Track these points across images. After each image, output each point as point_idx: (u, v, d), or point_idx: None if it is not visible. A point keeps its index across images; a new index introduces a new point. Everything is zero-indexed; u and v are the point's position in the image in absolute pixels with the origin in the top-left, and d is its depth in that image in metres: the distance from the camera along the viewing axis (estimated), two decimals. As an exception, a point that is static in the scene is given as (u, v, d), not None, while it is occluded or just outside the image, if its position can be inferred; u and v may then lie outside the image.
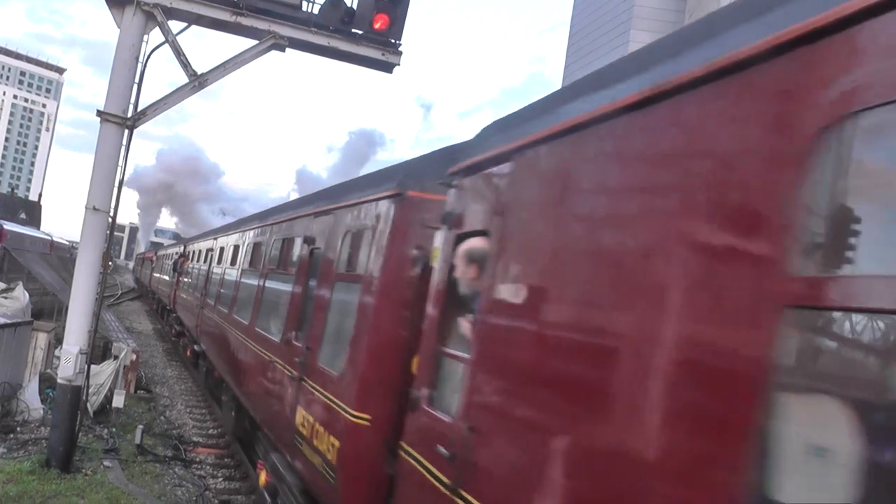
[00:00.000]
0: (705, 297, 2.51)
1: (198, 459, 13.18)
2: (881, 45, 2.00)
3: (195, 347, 19.21)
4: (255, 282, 12.17)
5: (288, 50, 11.34)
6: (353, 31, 11.09)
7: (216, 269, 18.08)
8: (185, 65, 11.14)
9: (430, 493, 4.29)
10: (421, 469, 4.58)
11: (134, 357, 17.39)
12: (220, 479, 12.31)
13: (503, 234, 4.19)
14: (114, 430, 13.21)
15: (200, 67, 11.21)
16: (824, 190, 2.12)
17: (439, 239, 5.31)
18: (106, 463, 11.35)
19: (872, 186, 2.13)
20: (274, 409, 9.00)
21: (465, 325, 4.61)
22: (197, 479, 11.88)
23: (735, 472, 2.19)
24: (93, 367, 12.26)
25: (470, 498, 3.79)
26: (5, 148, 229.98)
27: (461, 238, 4.78)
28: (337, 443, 6.28)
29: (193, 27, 11.38)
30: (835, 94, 2.11)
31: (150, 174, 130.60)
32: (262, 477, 9.05)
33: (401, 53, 11.29)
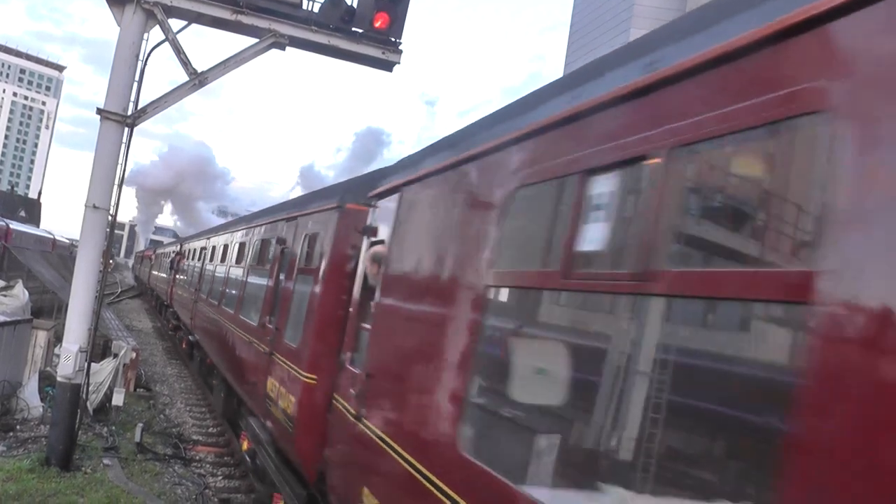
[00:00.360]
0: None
1: (197, 458, 13.18)
2: None
3: (190, 338, 20.62)
4: (240, 277, 14.02)
5: (288, 48, 11.34)
6: (354, 29, 11.09)
7: (209, 267, 19.60)
8: (186, 63, 11.13)
9: (345, 422, 6.28)
10: (341, 407, 6.55)
11: (134, 355, 17.40)
12: (220, 478, 12.32)
13: (391, 244, 6.11)
14: (113, 428, 13.22)
15: (201, 66, 11.23)
16: None
17: (364, 244, 7.15)
18: (105, 461, 11.36)
19: None
20: (251, 381, 10.77)
21: (371, 305, 6.36)
22: (197, 477, 11.89)
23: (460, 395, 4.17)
24: (92, 365, 12.26)
25: (366, 421, 5.68)
26: (5, 145, 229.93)
27: (373, 244, 6.77)
28: (294, 399, 8.02)
29: (194, 25, 11.38)
30: None
31: (154, 173, 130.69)
32: (245, 444, 10.78)
33: (401, 52, 11.29)
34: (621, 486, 2.91)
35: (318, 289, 8.10)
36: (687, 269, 2.76)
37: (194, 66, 11.16)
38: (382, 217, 6.74)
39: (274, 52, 11.33)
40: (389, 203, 6.49)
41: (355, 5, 11.01)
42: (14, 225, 38.28)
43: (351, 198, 8.08)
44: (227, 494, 11.41)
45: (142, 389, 17.95)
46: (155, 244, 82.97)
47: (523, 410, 3.96)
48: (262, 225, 13.15)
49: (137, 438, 12.53)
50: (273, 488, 8.73)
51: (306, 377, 7.73)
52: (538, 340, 4.13)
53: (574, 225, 3.31)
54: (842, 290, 1.98)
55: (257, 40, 11.19)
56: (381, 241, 6.53)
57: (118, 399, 13.83)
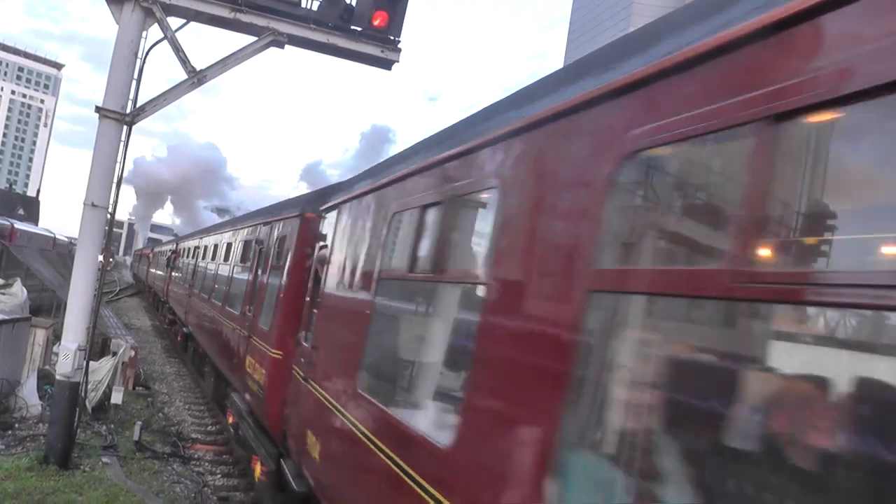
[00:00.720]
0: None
1: (196, 456, 13.18)
2: None
3: (184, 330, 22.45)
4: (227, 273, 15.98)
5: (287, 47, 11.34)
6: (353, 28, 11.09)
7: (201, 264, 21.45)
8: (184, 61, 11.12)
9: (298, 385, 8.18)
10: (297, 375, 8.32)
11: (132, 353, 17.40)
12: (219, 476, 12.32)
13: (331, 248, 8.03)
14: (112, 426, 13.22)
15: (199, 64, 11.22)
16: None
17: (316, 247, 9.02)
18: (104, 459, 11.36)
19: None
20: (234, 362, 12.63)
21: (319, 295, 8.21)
22: (195, 475, 11.89)
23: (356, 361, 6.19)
24: (91, 363, 12.25)
25: (311, 381, 7.56)
26: (3, 143, 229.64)
27: (321, 248, 8.67)
28: (264, 371, 9.99)
29: (193, 24, 11.36)
30: None
31: (158, 171, 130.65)
32: (230, 419, 12.30)
33: (400, 50, 11.28)
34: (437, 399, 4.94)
35: (283, 281, 9.99)
36: (454, 268, 4.81)
37: (193, 64, 11.16)
38: (327, 226, 8.65)
39: (274, 50, 11.34)
40: (331, 216, 8.49)
41: (354, 4, 11.02)
42: (18, 224, 39.26)
43: (309, 208, 9.89)
44: (226, 493, 11.40)
45: (141, 388, 17.95)
46: (153, 242, 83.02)
47: (392, 362, 5.99)
48: (245, 227, 15.11)
49: (136, 437, 12.52)
50: (252, 451, 10.12)
51: (274, 353, 9.64)
52: (403, 314, 6.12)
53: (417, 240, 5.34)
54: (495, 292, 3.93)
55: (256, 38, 11.19)
56: (326, 245, 8.37)
57: (117, 397, 13.83)
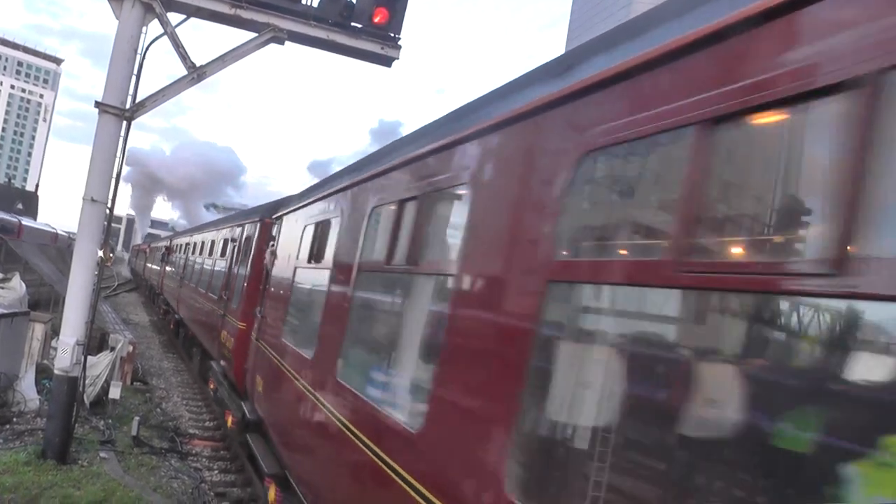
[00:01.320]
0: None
1: (194, 452, 13.20)
2: None
3: (176, 317, 25.73)
4: (210, 265, 19.41)
5: (287, 43, 11.33)
6: (353, 24, 11.08)
7: (190, 258, 24.87)
8: (184, 57, 11.12)
9: (253, 344, 11.03)
10: (252, 337, 11.35)
11: (130, 349, 17.40)
12: (216, 472, 12.34)
13: (274, 249, 10.88)
14: (110, 421, 13.23)
15: (199, 59, 11.21)
16: None
17: (269, 245, 11.75)
18: (102, 454, 11.37)
19: None
20: (213, 335, 16.01)
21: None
22: (193, 471, 11.90)
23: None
24: (89, 358, 12.26)
25: (260, 340, 10.48)
26: (2, 138, 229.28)
27: (272, 246, 11.29)
28: (233, 339, 13.09)
29: (193, 20, 11.36)
30: None
31: (168, 170, 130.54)
32: (211, 385, 14.92)
33: (400, 47, 11.28)
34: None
35: (247, 271, 13.25)
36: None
37: (193, 59, 11.16)
38: (276, 231, 11.68)
39: (278, 46, 11.33)
40: (277, 223, 11.68)
41: (354, 0, 11.01)
42: (25, 221, 43.00)
43: (267, 215, 12.92)
44: (224, 489, 11.42)
45: (138, 383, 17.95)
46: (152, 237, 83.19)
47: (305, 321, 8.45)
48: (223, 228, 18.56)
49: (134, 432, 12.54)
50: (225, 406, 12.70)
51: (240, 324, 12.76)
52: (314, 292, 8.22)
53: (324, 242, 7.87)
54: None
55: (256, 35, 11.18)
56: (274, 244, 11.36)
57: (115, 392, 13.84)
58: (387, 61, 11.54)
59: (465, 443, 3.72)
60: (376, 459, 4.82)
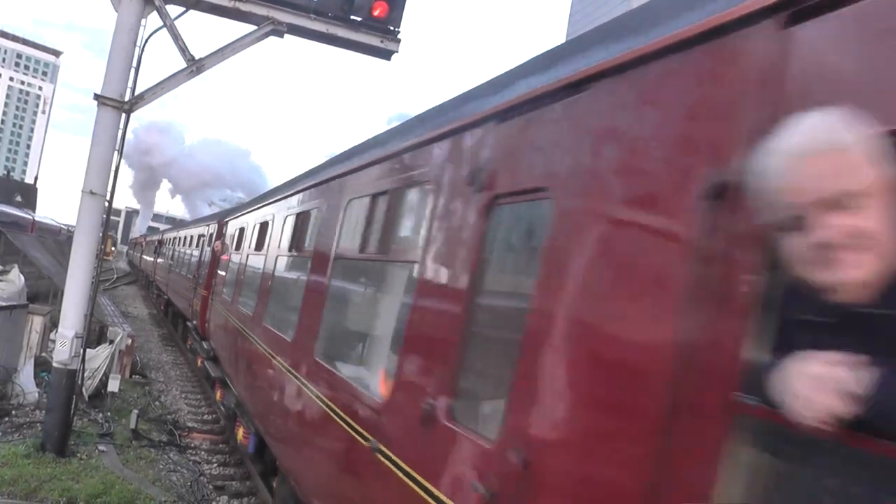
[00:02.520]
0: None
1: (192, 445, 13.21)
2: None
3: (165, 298, 31.22)
4: (189, 254, 25.08)
5: (286, 36, 11.29)
6: (353, 18, 11.05)
7: (177, 249, 30.15)
8: (183, 49, 11.08)
9: (209, 302, 16.58)
10: (209, 299, 16.77)
11: (129, 342, 17.40)
12: (215, 465, 12.36)
13: (223, 241, 17.20)
14: (109, 414, 13.24)
15: (199, 52, 11.18)
16: None
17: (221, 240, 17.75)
18: (101, 447, 11.37)
19: None
20: (189, 303, 21.05)
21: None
22: (192, 464, 11.91)
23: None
24: (88, 351, 12.25)
25: (213, 299, 16.24)
26: (1, 130, 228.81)
27: (221, 241, 17.49)
28: (199, 301, 18.31)
29: (193, 13, 11.31)
30: None
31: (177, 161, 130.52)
32: (189, 342, 20.45)
33: (399, 41, 11.24)
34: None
35: (209, 258, 18.43)
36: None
37: (192, 52, 11.12)
38: (224, 230, 17.43)
39: (278, 39, 11.30)
40: (224, 226, 17.52)
41: (354, -7, 10.97)
42: (38, 217, 47.36)
43: (223, 219, 18.66)
44: (222, 482, 11.44)
45: (137, 376, 17.96)
46: (151, 231, 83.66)
47: (234, 284, 13.63)
48: (197, 227, 24.97)
49: (133, 425, 12.55)
50: (196, 353, 18.10)
51: (203, 292, 17.95)
52: (248, 271, 12.39)
53: (250, 240, 12.92)
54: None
55: (255, 27, 11.15)
56: (221, 241, 16.92)
57: (114, 385, 13.84)
58: (386, 54, 11.51)
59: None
60: (265, 354, 8.85)
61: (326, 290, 6.57)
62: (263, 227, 11.60)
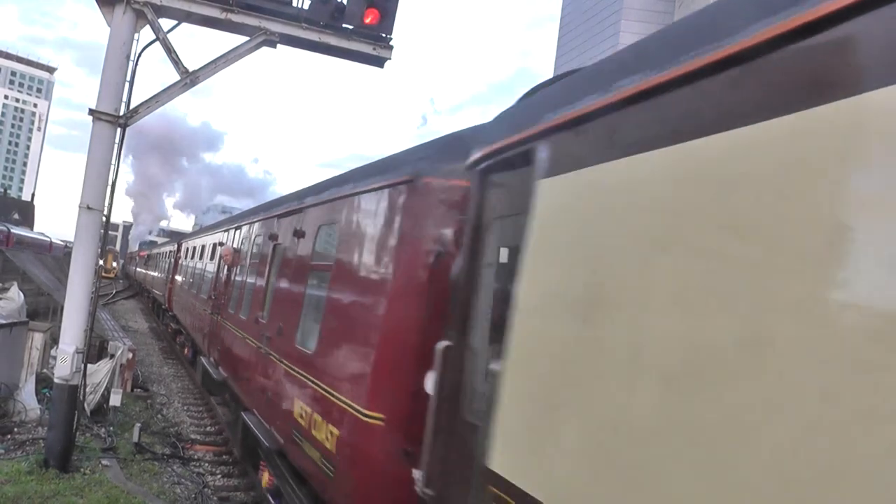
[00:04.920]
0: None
1: (196, 457, 13.20)
2: None
3: (152, 296, 40.23)
4: (167, 263, 31.72)
5: (279, 46, 11.33)
6: (344, 26, 11.08)
7: (159, 262, 38.68)
8: (177, 62, 11.12)
9: (172, 289, 27.85)
10: (172, 287, 27.83)
11: (130, 356, 17.38)
12: (219, 476, 12.35)
13: (178, 258, 27.72)
14: (111, 428, 13.23)
15: (194, 66, 11.21)
16: None
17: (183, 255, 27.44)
18: (104, 462, 11.36)
19: None
20: (165, 293, 30.02)
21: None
22: (196, 476, 11.91)
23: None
24: (89, 366, 12.25)
25: (171, 285, 28.27)
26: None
27: (177, 256, 29.22)
28: (168, 287, 29.33)
29: (185, 25, 11.36)
30: None
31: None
32: (169, 329, 28.42)
33: (392, 48, 11.28)
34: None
35: (172, 265, 28.30)
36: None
37: (186, 65, 11.16)
38: (182, 248, 27.08)
39: (265, 49, 11.34)
40: (179, 246, 28.60)
41: (345, 2, 11.01)
42: (55, 240, 53.04)
43: (178, 240, 31.73)
44: (227, 493, 11.43)
45: (139, 389, 17.95)
46: (149, 245, 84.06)
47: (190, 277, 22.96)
48: (170, 243, 34.03)
49: (135, 438, 12.54)
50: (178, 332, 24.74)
51: (169, 284, 28.56)
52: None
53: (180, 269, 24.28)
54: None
55: (248, 38, 11.19)
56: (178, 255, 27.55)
57: (115, 399, 13.83)
58: (379, 62, 11.54)
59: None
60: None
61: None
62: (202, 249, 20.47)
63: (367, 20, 10.94)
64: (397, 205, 5.90)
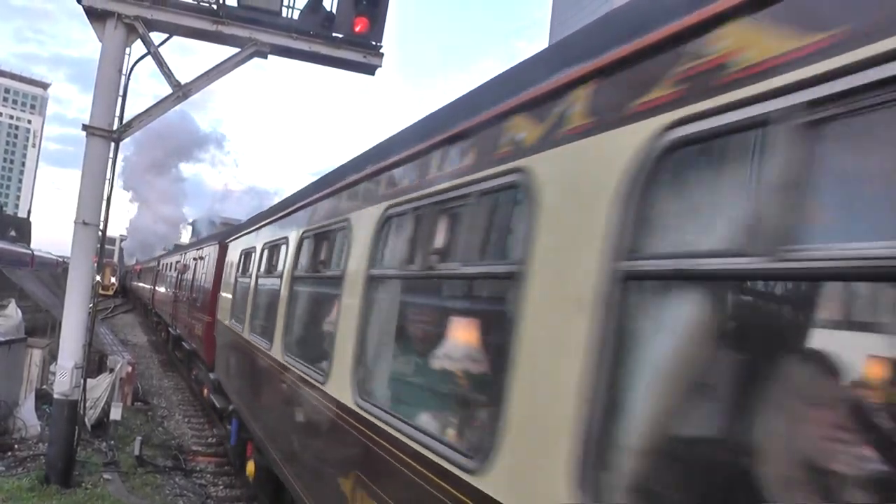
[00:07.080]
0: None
1: (198, 468, 13.20)
2: None
3: (146, 305, 44.02)
4: (155, 275, 38.25)
5: (270, 56, 11.38)
6: (334, 35, 11.13)
7: (149, 275, 43.31)
8: (168, 75, 11.16)
9: (156, 294, 37.36)
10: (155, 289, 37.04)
11: (130, 369, 17.38)
12: (221, 487, 12.34)
13: (161, 271, 36.09)
14: (112, 442, 13.22)
15: (186, 79, 11.26)
16: None
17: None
18: (106, 476, 11.36)
19: None
20: (165, 300, 31.56)
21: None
22: (198, 487, 11.91)
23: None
24: (89, 380, 12.25)
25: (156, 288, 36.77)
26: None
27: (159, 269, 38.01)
28: (169, 294, 30.42)
29: (178, 40, 11.41)
30: None
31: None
32: (164, 335, 30.59)
33: (382, 55, 11.33)
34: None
35: (158, 274, 36.78)
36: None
37: (178, 78, 11.20)
38: (164, 259, 36.50)
39: (262, 60, 11.40)
40: (162, 260, 38.37)
41: (335, 11, 11.06)
42: (53, 254, 53.28)
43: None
44: (229, 503, 11.43)
45: (139, 403, 17.94)
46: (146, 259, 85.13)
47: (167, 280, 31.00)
48: (155, 259, 44.85)
49: (137, 452, 12.53)
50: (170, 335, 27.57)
51: (149, 286, 41.68)
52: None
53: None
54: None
55: (239, 50, 11.23)
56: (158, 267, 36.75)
57: (116, 413, 13.83)
58: (370, 69, 11.59)
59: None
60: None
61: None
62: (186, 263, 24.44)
63: (357, 28, 10.99)
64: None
